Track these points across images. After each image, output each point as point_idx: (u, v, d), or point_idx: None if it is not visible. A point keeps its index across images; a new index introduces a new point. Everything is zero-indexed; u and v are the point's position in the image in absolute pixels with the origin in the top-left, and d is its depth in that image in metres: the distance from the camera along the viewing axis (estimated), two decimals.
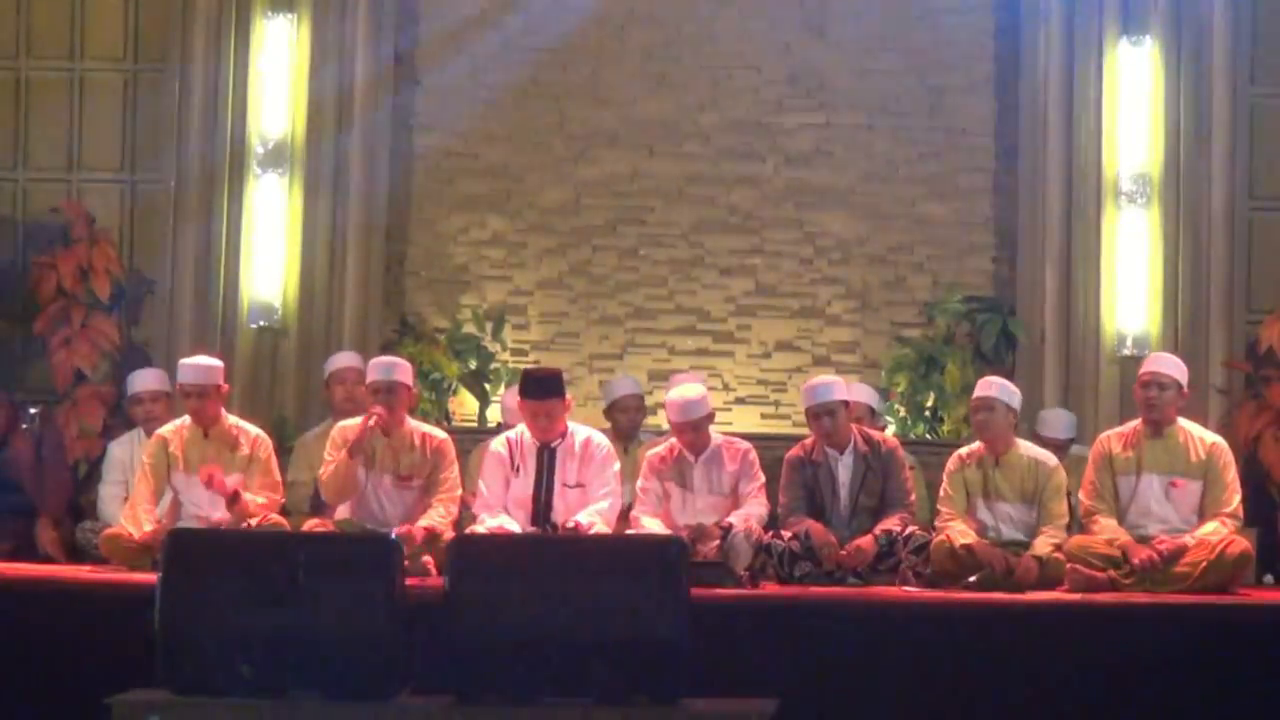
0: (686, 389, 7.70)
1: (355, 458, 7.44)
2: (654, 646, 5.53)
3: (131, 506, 7.63)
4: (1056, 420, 8.70)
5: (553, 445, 7.41)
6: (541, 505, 7.38)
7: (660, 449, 7.70)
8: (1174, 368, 7.62)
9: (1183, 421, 7.60)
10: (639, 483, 7.63)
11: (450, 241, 9.92)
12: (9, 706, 6.34)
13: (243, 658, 5.54)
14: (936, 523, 7.54)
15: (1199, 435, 7.58)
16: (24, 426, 8.52)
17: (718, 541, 7.24)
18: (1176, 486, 7.45)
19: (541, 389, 7.39)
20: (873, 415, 8.63)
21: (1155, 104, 9.44)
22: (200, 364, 7.79)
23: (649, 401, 9.02)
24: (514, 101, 9.91)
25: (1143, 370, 7.67)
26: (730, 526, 7.28)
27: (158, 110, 9.72)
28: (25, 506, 8.16)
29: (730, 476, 7.57)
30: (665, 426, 7.99)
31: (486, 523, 7.27)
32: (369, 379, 7.67)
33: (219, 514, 7.58)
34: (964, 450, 7.70)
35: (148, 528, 7.43)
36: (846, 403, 7.65)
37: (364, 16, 9.61)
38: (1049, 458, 7.67)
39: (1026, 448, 7.68)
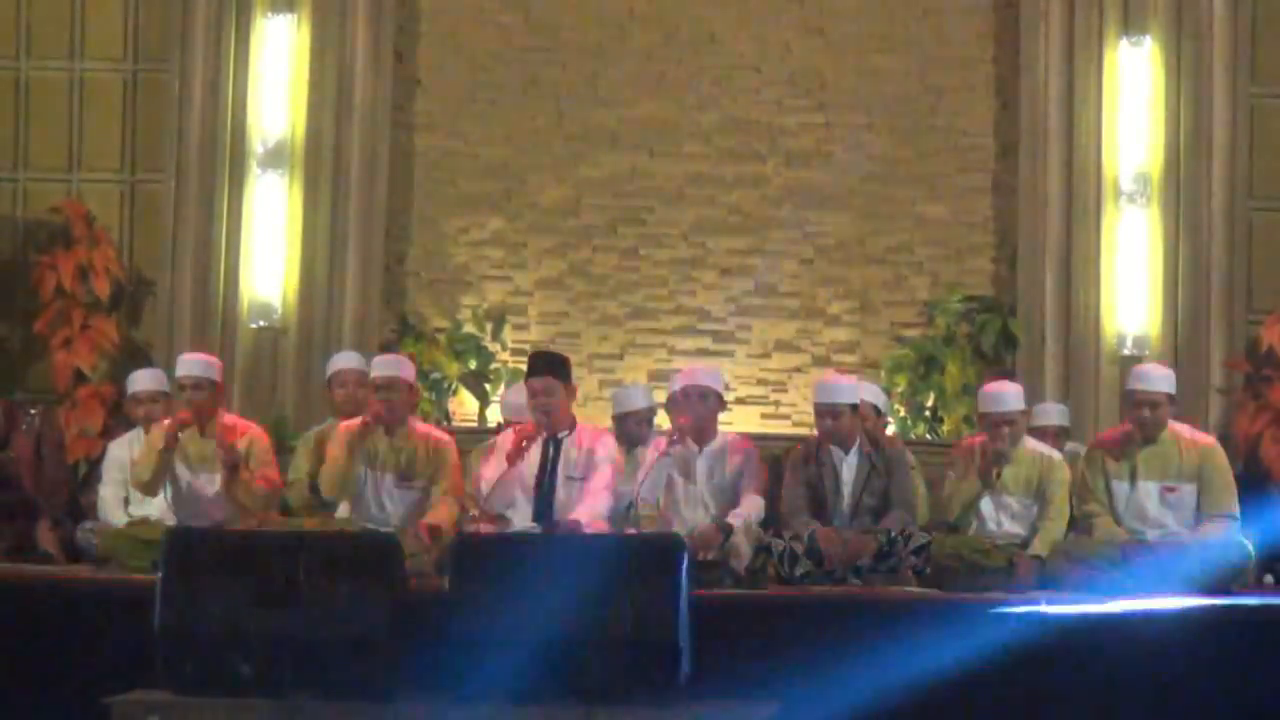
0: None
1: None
2: (654, 646, 5.53)
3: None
4: (1046, 409, 8.65)
5: (559, 437, 7.37)
6: (544, 497, 7.34)
7: (664, 437, 7.65)
8: (1164, 383, 7.45)
9: (1173, 424, 7.53)
10: (642, 475, 7.58)
11: (450, 241, 9.92)
12: (9, 707, 6.33)
13: (243, 658, 5.55)
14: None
15: (1190, 437, 7.50)
16: (24, 427, 8.51)
17: (717, 541, 7.22)
18: (1172, 492, 7.41)
19: (539, 367, 7.35)
20: (878, 415, 8.61)
21: (1155, 104, 9.44)
22: (199, 358, 7.85)
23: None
24: (514, 101, 9.91)
25: (1132, 387, 7.48)
26: (730, 527, 7.27)
27: (158, 110, 9.72)
28: (25, 506, 8.14)
29: (732, 472, 7.54)
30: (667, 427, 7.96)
31: (486, 506, 7.21)
32: (372, 375, 7.66)
33: (220, 513, 7.58)
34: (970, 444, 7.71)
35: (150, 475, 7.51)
36: (855, 405, 7.63)
37: (364, 16, 9.61)
38: (1053, 453, 7.68)
39: (1032, 444, 7.68)
